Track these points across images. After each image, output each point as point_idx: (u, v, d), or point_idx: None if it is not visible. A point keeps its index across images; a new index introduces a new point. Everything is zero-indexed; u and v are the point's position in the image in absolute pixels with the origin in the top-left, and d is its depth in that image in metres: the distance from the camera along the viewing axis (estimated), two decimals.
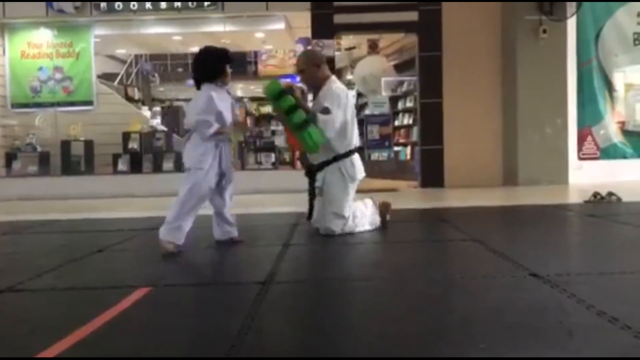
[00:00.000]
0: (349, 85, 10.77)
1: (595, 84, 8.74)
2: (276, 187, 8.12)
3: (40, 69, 9.38)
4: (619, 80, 8.85)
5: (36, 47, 9.40)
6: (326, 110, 4.20)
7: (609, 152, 8.83)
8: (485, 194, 7.56)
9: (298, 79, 4.50)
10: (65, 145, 9.21)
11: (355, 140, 4.46)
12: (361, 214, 4.45)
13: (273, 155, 9.06)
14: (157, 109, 10.70)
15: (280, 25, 9.53)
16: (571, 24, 8.51)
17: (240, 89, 16.81)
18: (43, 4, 8.87)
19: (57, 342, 2.08)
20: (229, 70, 3.98)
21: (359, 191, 4.56)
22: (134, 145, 9.08)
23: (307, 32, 8.97)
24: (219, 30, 9.58)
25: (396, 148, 10.32)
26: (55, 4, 8.85)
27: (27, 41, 9.40)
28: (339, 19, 8.67)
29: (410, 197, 7.53)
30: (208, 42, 4.33)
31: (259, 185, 7.99)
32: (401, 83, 11.41)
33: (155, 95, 15.88)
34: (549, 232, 4.46)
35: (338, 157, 4.32)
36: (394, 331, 2.15)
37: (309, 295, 2.82)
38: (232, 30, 9.66)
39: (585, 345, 1.94)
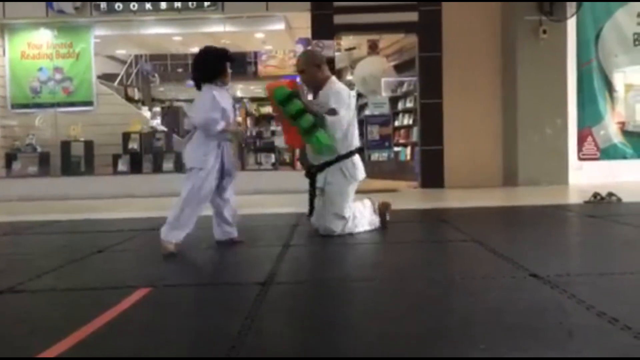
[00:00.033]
0: (349, 85, 10.76)
1: (595, 85, 8.74)
2: (276, 187, 8.12)
3: (40, 69, 9.39)
4: (619, 80, 8.85)
5: (36, 47, 9.41)
6: (333, 112, 4.20)
7: (609, 153, 8.82)
8: (485, 194, 7.56)
9: (299, 78, 4.50)
10: (65, 145, 9.22)
11: (356, 141, 4.47)
12: (360, 215, 4.45)
13: (273, 155, 9.07)
14: (157, 109, 10.69)
15: (280, 26, 9.54)
16: (571, 24, 8.51)
17: (240, 89, 16.81)
18: (43, 4, 8.88)
19: (57, 343, 2.08)
20: (229, 70, 3.99)
21: (359, 192, 4.56)
22: (134, 145, 9.08)
23: (307, 33, 8.98)
24: (219, 30, 9.58)
25: (396, 148, 10.32)
26: (55, 4, 8.86)
27: (27, 42, 9.41)
28: (339, 19, 8.67)
29: (410, 197, 7.53)
30: (208, 42, 4.34)
31: (259, 185, 7.99)
32: (401, 83, 11.41)
33: (155, 95, 15.87)
34: (549, 232, 4.46)
35: (339, 158, 4.32)
36: (394, 331, 2.15)
37: (309, 296, 2.82)
38: (232, 30, 9.66)
39: (585, 345, 1.94)
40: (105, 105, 9.52)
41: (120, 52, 12.98)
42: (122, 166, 8.97)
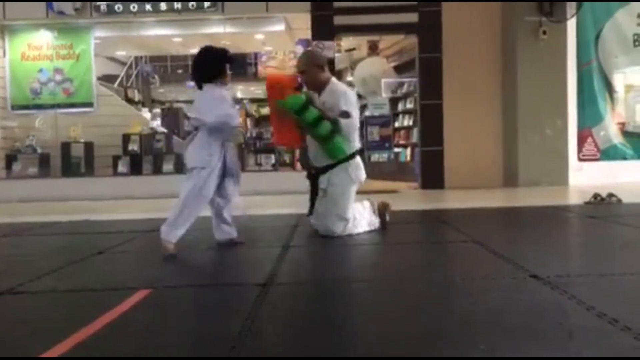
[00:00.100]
0: (349, 86, 10.76)
1: (595, 85, 8.75)
2: (276, 188, 8.12)
3: (41, 70, 9.39)
4: (619, 81, 8.86)
5: (36, 48, 9.41)
6: (346, 114, 4.20)
7: (609, 153, 8.83)
8: (485, 195, 7.56)
9: (299, 79, 4.49)
10: (66, 147, 9.22)
11: (357, 142, 4.47)
12: (359, 216, 4.45)
13: (273, 156, 9.06)
14: (157, 110, 10.70)
15: (280, 27, 9.53)
16: (571, 25, 8.51)
17: (240, 90, 16.81)
18: (43, 5, 8.88)
19: (57, 344, 2.08)
20: (228, 71, 3.98)
21: (359, 193, 4.55)
22: (134, 147, 9.08)
23: (307, 34, 8.98)
24: (219, 31, 9.58)
25: (396, 149, 10.32)
26: (55, 5, 8.86)
27: (27, 43, 9.41)
28: (339, 20, 8.68)
29: (410, 198, 7.53)
30: (208, 43, 4.32)
31: (259, 186, 7.99)
32: (401, 84, 11.41)
33: (155, 96, 15.85)
34: (549, 233, 4.46)
35: (343, 159, 4.32)
36: (394, 332, 2.15)
37: (309, 297, 2.82)
38: (232, 31, 9.66)
39: (585, 346, 1.94)
40: (106, 106, 9.52)
41: (121, 53, 12.97)
42: (122, 167, 8.97)
